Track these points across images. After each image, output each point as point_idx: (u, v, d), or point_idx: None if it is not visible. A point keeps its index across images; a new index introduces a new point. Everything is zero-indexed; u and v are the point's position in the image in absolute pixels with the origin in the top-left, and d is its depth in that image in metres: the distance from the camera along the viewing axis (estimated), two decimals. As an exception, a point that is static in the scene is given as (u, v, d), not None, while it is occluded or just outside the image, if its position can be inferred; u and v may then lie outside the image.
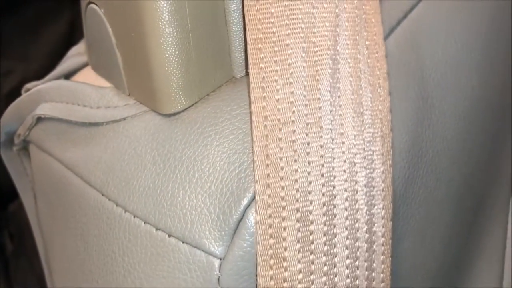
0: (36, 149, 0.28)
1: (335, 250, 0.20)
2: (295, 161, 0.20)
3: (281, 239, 0.19)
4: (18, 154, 0.31)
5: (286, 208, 0.19)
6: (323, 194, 0.20)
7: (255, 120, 0.19)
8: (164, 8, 0.20)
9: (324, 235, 0.20)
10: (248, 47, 0.20)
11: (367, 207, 0.21)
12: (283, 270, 0.19)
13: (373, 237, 0.21)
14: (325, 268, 0.20)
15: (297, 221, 0.19)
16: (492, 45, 0.26)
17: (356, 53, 0.21)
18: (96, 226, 0.23)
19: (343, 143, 0.21)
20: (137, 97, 0.23)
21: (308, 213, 0.20)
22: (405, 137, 0.22)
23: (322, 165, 0.20)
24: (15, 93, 0.30)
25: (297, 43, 0.20)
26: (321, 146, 0.20)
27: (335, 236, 0.20)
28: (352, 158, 0.21)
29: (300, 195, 0.20)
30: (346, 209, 0.20)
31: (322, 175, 0.20)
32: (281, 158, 0.19)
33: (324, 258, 0.20)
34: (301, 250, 0.20)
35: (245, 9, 0.20)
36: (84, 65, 0.29)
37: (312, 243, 0.20)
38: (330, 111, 0.20)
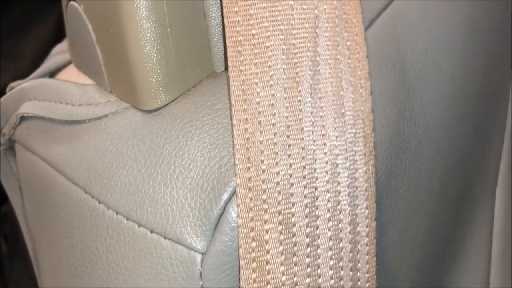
0: (21, 148, 0.28)
1: (318, 251, 0.20)
2: (277, 163, 0.20)
3: (264, 242, 0.19)
4: (4, 154, 0.31)
5: (268, 211, 0.19)
6: (305, 196, 0.20)
7: (235, 123, 0.19)
8: (142, 3, 0.20)
9: (307, 236, 0.20)
10: (228, 49, 0.20)
11: (350, 208, 0.21)
12: (266, 273, 0.19)
13: (357, 237, 0.21)
14: (309, 269, 0.20)
15: (280, 223, 0.19)
16: (473, 37, 0.26)
17: (336, 54, 0.21)
18: (80, 223, 0.23)
19: (324, 144, 0.21)
20: (118, 93, 0.23)
21: (291, 215, 0.20)
22: (387, 128, 0.22)
23: (304, 167, 0.20)
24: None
25: (277, 45, 0.20)
26: (303, 148, 0.20)
27: (318, 238, 0.20)
28: (334, 159, 0.21)
29: (282, 198, 0.20)
30: (328, 210, 0.20)
31: (304, 177, 0.20)
32: (262, 161, 0.19)
33: (307, 260, 0.20)
34: (284, 252, 0.20)
35: (224, 10, 0.20)
36: (68, 63, 0.29)
37: (295, 245, 0.20)
38: (311, 113, 0.20)
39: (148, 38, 0.20)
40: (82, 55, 0.25)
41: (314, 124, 0.20)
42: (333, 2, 0.21)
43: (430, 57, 0.24)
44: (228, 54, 0.20)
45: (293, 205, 0.20)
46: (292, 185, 0.20)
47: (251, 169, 0.19)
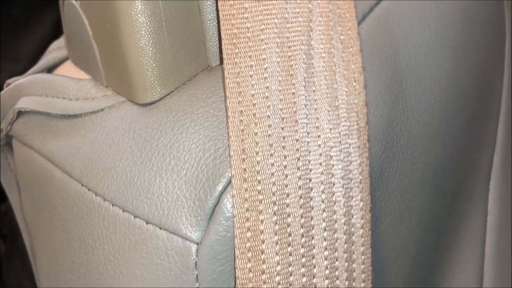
0: (18, 144, 0.28)
1: (313, 242, 0.20)
2: (271, 155, 0.20)
3: (259, 232, 0.20)
4: (2, 150, 0.31)
5: (263, 201, 0.20)
6: (299, 187, 0.20)
7: (230, 115, 0.20)
8: (137, -2, 0.20)
9: (302, 227, 0.20)
10: (223, 42, 0.20)
11: (345, 200, 0.21)
12: (261, 262, 0.20)
13: (352, 229, 0.21)
14: (303, 259, 0.20)
15: (274, 214, 0.20)
16: (466, 32, 0.26)
17: (330, 48, 0.22)
18: (77, 216, 0.23)
19: (318, 136, 0.21)
20: (115, 88, 0.23)
21: (285, 206, 0.20)
22: (380, 121, 0.23)
23: (298, 159, 0.20)
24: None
25: (271, 38, 0.21)
26: (297, 140, 0.20)
27: (313, 228, 0.20)
28: (328, 152, 0.21)
29: (277, 189, 0.20)
30: (323, 202, 0.21)
31: (298, 168, 0.20)
32: (257, 153, 0.20)
33: (302, 250, 0.20)
34: (279, 242, 0.20)
35: (219, 3, 0.20)
36: (65, 59, 0.29)
37: (290, 235, 0.20)
38: (305, 105, 0.21)
39: (143, 32, 0.21)
40: (79, 50, 0.25)
41: (308, 117, 0.21)
42: None
43: (422, 52, 0.24)
44: (223, 47, 0.20)
45: (287, 195, 0.20)
46: (286, 176, 0.20)
47: (246, 160, 0.19)
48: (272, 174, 0.20)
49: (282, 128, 0.20)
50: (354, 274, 0.21)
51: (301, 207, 0.20)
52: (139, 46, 0.21)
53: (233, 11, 0.20)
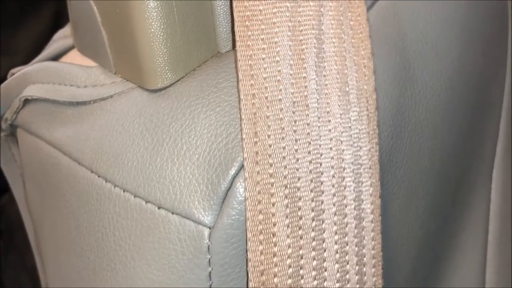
0: (23, 133, 0.28)
1: (323, 225, 0.21)
2: (283, 138, 0.20)
3: (270, 215, 0.20)
4: (5, 140, 0.31)
5: (274, 184, 0.20)
6: (310, 171, 0.20)
7: (243, 98, 0.20)
8: (148, -17, 0.20)
9: (312, 210, 0.20)
10: (236, 24, 0.20)
11: (355, 185, 0.21)
12: (272, 245, 0.20)
13: (362, 214, 0.21)
14: (314, 243, 0.20)
15: (285, 197, 0.20)
16: (471, 19, 0.26)
17: (340, 33, 0.22)
18: (86, 203, 0.23)
19: (329, 121, 0.21)
20: (124, 74, 0.23)
21: (296, 189, 0.20)
22: (389, 106, 0.23)
23: (309, 143, 0.20)
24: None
25: (283, 22, 0.21)
26: (308, 124, 0.20)
27: (323, 212, 0.21)
28: (338, 136, 0.21)
29: (288, 172, 0.20)
30: (333, 186, 0.21)
31: (309, 152, 0.20)
32: (269, 136, 0.20)
33: (313, 234, 0.20)
34: (290, 225, 0.20)
35: None
36: (70, 48, 0.29)
37: (301, 218, 0.20)
38: (316, 90, 0.21)
39: (154, 17, 0.21)
40: (86, 38, 0.25)
41: (319, 101, 0.21)
42: None
43: (429, 38, 0.24)
44: (236, 29, 0.20)
45: (298, 179, 0.20)
46: (297, 160, 0.20)
47: (258, 144, 0.20)
48: (284, 157, 0.20)
49: (293, 112, 0.20)
50: (365, 259, 0.21)
51: (311, 191, 0.20)
52: (150, 32, 0.21)
53: None
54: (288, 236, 0.20)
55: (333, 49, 0.21)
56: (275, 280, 0.20)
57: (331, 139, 0.21)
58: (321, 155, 0.21)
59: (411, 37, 0.24)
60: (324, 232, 0.21)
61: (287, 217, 0.20)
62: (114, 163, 0.22)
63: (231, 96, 0.21)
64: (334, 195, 0.21)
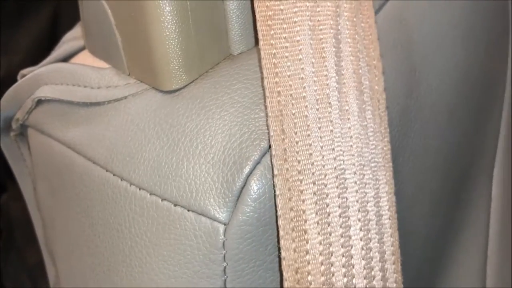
0: (35, 133, 0.29)
1: (349, 222, 0.21)
2: (309, 135, 0.20)
3: (301, 212, 0.20)
4: (15, 140, 0.32)
5: (303, 181, 0.20)
6: (335, 168, 0.21)
7: (269, 96, 0.20)
8: (164, -12, 0.21)
9: (339, 207, 0.21)
10: (258, 23, 0.21)
11: (374, 182, 0.22)
12: (305, 242, 0.20)
13: (381, 211, 0.22)
14: (342, 240, 0.21)
15: (314, 194, 0.20)
16: (475, 21, 0.27)
17: (354, 34, 0.22)
18: (101, 201, 0.24)
19: (348, 119, 0.21)
20: (138, 76, 0.24)
21: (324, 186, 0.20)
22: (396, 107, 0.24)
23: (333, 140, 0.21)
24: (1, 85, 0.30)
25: (304, 21, 0.21)
26: (331, 121, 0.21)
27: (348, 209, 0.21)
28: (357, 134, 0.21)
29: (316, 169, 0.20)
30: (355, 183, 0.21)
31: (333, 149, 0.21)
32: (296, 133, 0.20)
33: (341, 230, 0.21)
34: (320, 222, 0.20)
35: None
36: (80, 49, 0.29)
37: (329, 215, 0.20)
38: (336, 88, 0.21)
39: (170, 20, 0.21)
40: (99, 39, 0.26)
41: (339, 99, 0.21)
42: None
43: (435, 41, 0.25)
44: (258, 28, 0.20)
45: (325, 176, 0.20)
46: (323, 157, 0.20)
47: (285, 141, 0.20)
48: (311, 154, 0.20)
49: (317, 109, 0.21)
50: (386, 256, 0.22)
51: (337, 188, 0.21)
52: (165, 35, 0.22)
53: None
54: (319, 233, 0.20)
55: (349, 49, 0.22)
56: (309, 278, 0.20)
57: (351, 137, 0.21)
58: (343, 152, 0.21)
59: (417, 40, 0.24)
60: (350, 228, 0.21)
61: (316, 214, 0.20)
62: (130, 162, 0.22)
63: (244, 97, 0.21)
64: (357, 192, 0.21)
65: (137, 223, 0.22)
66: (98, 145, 0.24)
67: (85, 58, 0.29)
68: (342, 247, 0.21)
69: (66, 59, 0.30)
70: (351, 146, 0.21)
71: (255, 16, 0.21)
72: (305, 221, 0.20)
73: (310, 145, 0.20)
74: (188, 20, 0.22)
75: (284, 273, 0.20)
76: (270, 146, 0.20)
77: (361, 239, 0.21)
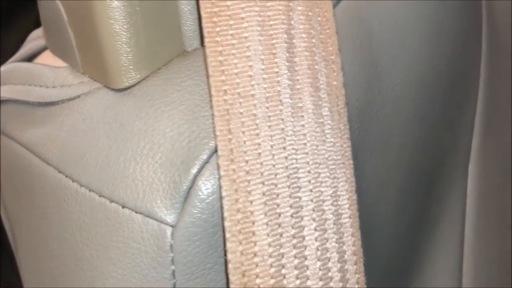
0: (1, 136, 0.28)
1: (302, 222, 0.20)
2: (257, 134, 0.20)
3: (249, 213, 0.19)
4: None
5: (251, 182, 0.19)
6: (286, 167, 0.20)
7: (214, 94, 0.19)
8: (110, -17, 0.20)
9: (291, 207, 0.20)
10: (203, 20, 0.20)
11: (331, 180, 0.21)
12: (253, 244, 0.19)
13: (340, 210, 0.21)
14: (294, 241, 0.20)
15: (263, 194, 0.20)
16: (440, 15, 0.26)
17: (310, 28, 0.22)
18: (56, 203, 0.23)
19: (302, 116, 0.21)
20: (91, 74, 0.23)
21: (274, 186, 0.20)
22: (356, 103, 0.23)
23: (284, 139, 0.20)
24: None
25: (252, 17, 0.20)
26: (282, 120, 0.20)
27: (302, 209, 0.20)
28: (312, 132, 0.21)
29: (265, 169, 0.20)
30: (310, 182, 0.21)
31: (285, 148, 0.20)
32: (243, 132, 0.20)
33: (293, 231, 0.20)
34: (269, 223, 0.20)
35: None
36: (44, 48, 0.29)
37: (280, 216, 0.20)
38: (288, 85, 0.21)
39: (117, 16, 0.21)
40: (56, 38, 0.25)
41: (291, 97, 0.21)
42: None
43: (397, 35, 0.24)
44: (204, 25, 0.20)
45: (275, 176, 0.20)
46: (273, 156, 0.20)
47: (232, 140, 0.19)
48: (259, 154, 0.20)
49: (267, 108, 0.20)
50: (346, 256, 0.21)
51: (289, 187, 0.20)
52: (113, 31, 0.21)
53: None
54: (268, 235, 0.20)
55: (303, 44, 0.21)
56: (257, 281, 0.19)
57: (305, 135, 0.21)
58: (296, 151, 0.20)
59: (378, 34, 0.24)
60: (304, 229, 0.20)
61: (266, 215, 0.20)
62: (80, 163, 0.22)
63: (194, 94, 0.21)
64: (311, 191, 0.21)
65: (87, 225, 0.21)
66: (51, 146, 0.23)
67: (47, 57, 0.28)
68: (294, 248, 0.20)
69: (30, 58, 0.30)
70: (305, 144, 0.20)
71: (200, 13, 0.20)
72: (253, 223, 0.19)
73: (259, 144, 0.20)
74: (137, 15, 0.21)
75: (230, 276, 0.19)
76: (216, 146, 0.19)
77: (316, 240, 0.20)
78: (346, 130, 0.22)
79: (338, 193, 0.21)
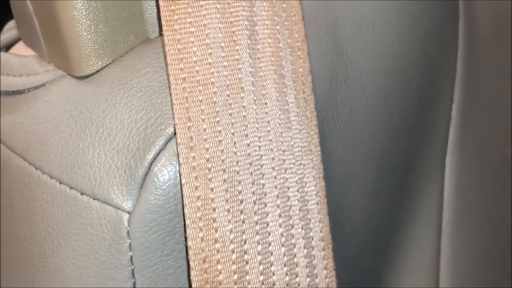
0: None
1: (266, 209, 0.20)
2: (218, 122, 0.20)
3: (209, 200, 0.19)
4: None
5: (212, 169, 0.19)
6: (248, 154, 0.20)
7: (173, 82, 0.19)
8: (69, -31, 0.20)
9: (253, 194, 0.20)
10: (161, 9, 0.20)
11: (296, 167, 0.21)
12: (213, 231, 0.19)
13: (306, 197, 0.21)
14: (257, 227, 0.20)
15: (225, 181, 0.20)
16: (412, 5, 0.26)
17: (273, 15, 0.21)
18: (20, 191, 0.23)
19: (265, 104, 0.21)
20: (56, 63, 0.23)
21: (235, 173, 0.20)
22: (319, 91, 0.23)
23: (246, 126, 0.20)
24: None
25: (211, 4, 0.20)
26: (244, 107, 0.20)
27: (265, 195, 0.20)
28: (276, 119, 0.21)
29: (226, 156, 0.20)
30: (274, 169, 0.21)
31: (247, 135, 0.20)
32: (203, 120, 0.20)
33: (256, 217, 0.20)
34: (231, 210, 0.20)
35: None
36: (19, 39, 0.29)
37: (242, 202, 0.20)
38: (251, 72, 0.21)
39: (77, 4, 0.21)
40: (24, 28, 0.25)
41: (254, 84, 0.21)
42: None
43: (364, 22, 0.24)
44: (161, 14, 0.20)
45: (237, 163, 0.20)
46: (235, 143, 0.20)
47: (192, 128, 0.19)
48: (220, 141, 0.20)
49: (228, 95, 0.20)
50: (313, 242, 0.21)
51: (251, 174, 0.20)
52: (73, 19, 0.21)
53: None
54: (229, 221, 0.20)
55: (267, 31, 0.21)
56: (219, 266, 0.19)
57: (268, 122, 0.21)
58: (259, 138, 0.20)
59: (344, 22, 0.23)
60: (267, 215, 0.20)
61: (227, 201, 0.20)
62: (42, 151, 0.22)
63: (153, 81, 0.21)
64: (275, 177, 0.20)
65: (49, 212, 0.21)
66: (17, 134, 0.23)
67: (20, 48, 0.28)
68: (257, 234, 0.20)
69: (6, 48, 0.30)
70: (269, 131, 0.20)
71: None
72: (214, 210, 0.19)
73: (220, 132, 0.20)
74: (96, 3, 0.21)
75: (191, 262, 0.19)
76: (175, 133, 0.19)
77: (280, 226, 0.20)
78: (313, 117, 0.21)
79: (305, 179, 0.21)
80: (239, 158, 0.20)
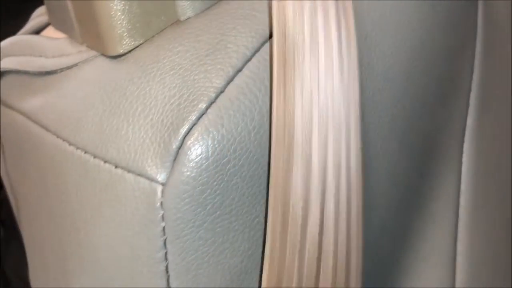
0: (2, 107, 0.29)
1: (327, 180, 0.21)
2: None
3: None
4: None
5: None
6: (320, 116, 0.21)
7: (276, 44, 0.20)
8: (105, -49, 0.21)
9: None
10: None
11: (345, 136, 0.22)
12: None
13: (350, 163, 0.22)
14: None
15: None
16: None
17: None
18: (53, 167, 0.24)
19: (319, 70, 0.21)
20: (89, 43, 0.24)
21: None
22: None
23: (311, 92, 0.21)
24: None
25: None
26: (317, 77, 0.21)
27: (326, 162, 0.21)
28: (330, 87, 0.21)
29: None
30: (336, 141, 0.21)
31: (319, 104, 0.21)
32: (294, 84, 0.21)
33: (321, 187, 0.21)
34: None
35: None
36: (47, 24, 0.30)
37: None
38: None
39: (112, -15, 0.22)
40: (57, 12, 0.26)
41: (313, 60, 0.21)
42: None
43: (387, 7, 0.25)
44: None
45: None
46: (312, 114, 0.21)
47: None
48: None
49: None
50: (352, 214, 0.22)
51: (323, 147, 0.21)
52: (108, 0, 0.22)
53: None
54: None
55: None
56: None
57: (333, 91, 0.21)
58: (327, 111, 0.21)
59: (368, 6, 0.24)
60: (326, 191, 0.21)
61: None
62: (76, 127, 0.23)
63: (184, 59, 0.22)
64: (334, 152, 0.21)
65: (83, 186, 0.22)
66: (50, 113, 0.24)
67: (49, 32, 0.29)
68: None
69: (36, 33, 0.31)
70: (334, 100, 0.21)
71: None
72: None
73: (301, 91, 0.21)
74: (131, -16, 0.22)
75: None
76: (215, 98, 0.20)
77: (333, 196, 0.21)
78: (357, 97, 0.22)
79: (351, 154, 0.22)
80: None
